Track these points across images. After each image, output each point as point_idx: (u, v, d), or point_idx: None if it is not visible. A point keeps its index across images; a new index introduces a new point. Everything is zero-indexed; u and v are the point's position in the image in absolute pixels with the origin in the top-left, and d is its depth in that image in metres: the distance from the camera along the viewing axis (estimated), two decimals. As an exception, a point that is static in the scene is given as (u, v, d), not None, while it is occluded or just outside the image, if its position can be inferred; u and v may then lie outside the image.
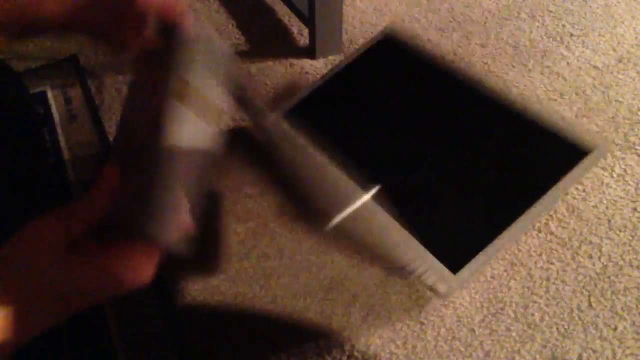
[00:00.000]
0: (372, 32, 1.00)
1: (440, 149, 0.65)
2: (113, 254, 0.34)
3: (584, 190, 0.72)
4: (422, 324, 0.58)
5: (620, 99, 0.87)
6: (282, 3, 1.03)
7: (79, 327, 0.58)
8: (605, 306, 0.59)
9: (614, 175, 0.74)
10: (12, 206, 0.60)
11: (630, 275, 0.62)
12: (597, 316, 0.58)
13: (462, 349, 0.55)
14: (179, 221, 0.35)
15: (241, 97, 0.45)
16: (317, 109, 0.75)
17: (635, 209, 0.70)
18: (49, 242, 0.33)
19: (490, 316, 0.58)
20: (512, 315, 0.58)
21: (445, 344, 0.56)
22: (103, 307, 0.59)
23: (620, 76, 0.92)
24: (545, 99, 0.88)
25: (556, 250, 0.65)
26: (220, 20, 1.07)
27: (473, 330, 0.57)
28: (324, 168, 0.61)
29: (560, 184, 0.58)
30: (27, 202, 0.62)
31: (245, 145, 0.76)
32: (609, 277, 0.62)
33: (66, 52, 1.00)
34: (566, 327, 0.57)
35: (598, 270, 0.63)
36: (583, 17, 1.08)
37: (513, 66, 0.94)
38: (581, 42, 1.01)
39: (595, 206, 0.70)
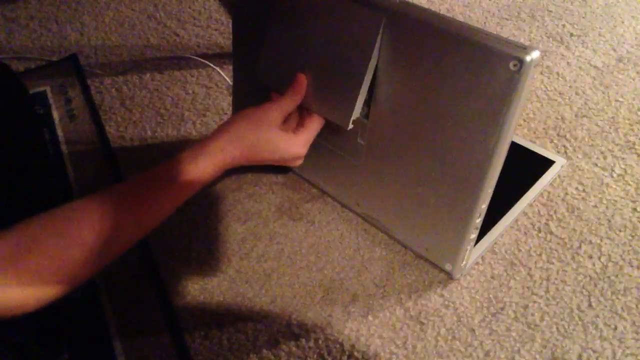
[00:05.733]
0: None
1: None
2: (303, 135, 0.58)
3: (584, 190, 0.72)
4: (422, 324, 0.58)
5: (620, 99, 0.87)
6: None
7: (77, 327, 0.58)
8: (605, 306, 0.59)
9: (614, 175, 0.74)
10: (12, 206, 0.60)
11: (630, 275, 0.62)
12: (597, 316, 0.58)
13: (462, 349, 0.55)
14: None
15: None
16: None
17: (635, 209, 0.70)
18: (270, 119, 0.56)
19: (490, 316, 0.58)
20: (512, 315, 0.58)
21: (445, 344, 0.56)
22: (102, 307, 0.59)
23: (620, 76, 0.92)
24: (546, 99, 0.88)
25: (556, 250, 0.65)
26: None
27: (473, 330, 0.57)
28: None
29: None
30: (27, 201, 0.62)
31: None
32: (609, 277, 0.62)
33: (66, 52, 1.00)
34: (566, 327, 0.57)
35: (598, 270, 0.63)
36: (583, 17, 1.08)
37: (513, 66, 0.93)
38: (581, 42, 1.01)
39: (595, 206, 0.70)
